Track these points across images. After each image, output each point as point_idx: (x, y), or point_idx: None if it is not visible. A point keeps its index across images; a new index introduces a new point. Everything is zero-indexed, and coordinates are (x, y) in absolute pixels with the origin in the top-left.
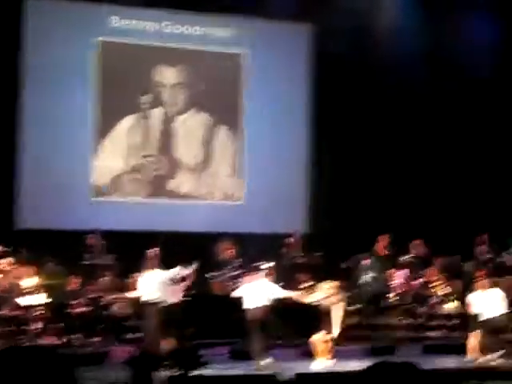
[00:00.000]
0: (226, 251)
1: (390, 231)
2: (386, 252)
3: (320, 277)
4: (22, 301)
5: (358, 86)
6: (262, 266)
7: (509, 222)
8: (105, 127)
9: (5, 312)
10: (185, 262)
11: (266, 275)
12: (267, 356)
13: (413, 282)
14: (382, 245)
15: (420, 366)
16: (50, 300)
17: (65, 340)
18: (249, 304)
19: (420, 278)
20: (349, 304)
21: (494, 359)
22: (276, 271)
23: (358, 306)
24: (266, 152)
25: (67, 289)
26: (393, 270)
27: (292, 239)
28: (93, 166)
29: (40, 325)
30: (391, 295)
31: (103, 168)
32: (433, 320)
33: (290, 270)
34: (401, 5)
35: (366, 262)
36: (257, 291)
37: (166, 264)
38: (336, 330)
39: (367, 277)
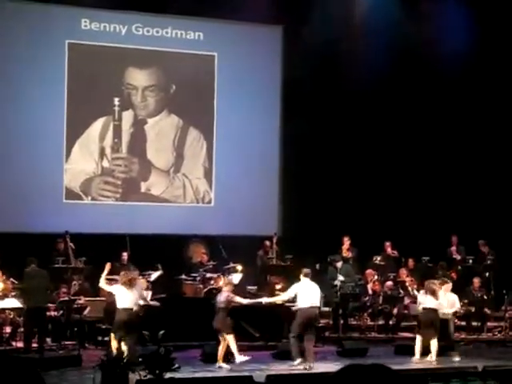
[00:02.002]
0: (198, 253)
1: (361, 234)
2: (349, 253)
3: (293, 279)
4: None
5: (329, 89)
6: (238, 267)
7: (477, 225)
8: (76, 130)
9: None
10: (155, 264)
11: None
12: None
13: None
14: (345, 246)
15: (392, 368)
16: (22, 305)
17: (36, 344)
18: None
19: (391, 278)
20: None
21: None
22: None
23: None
24: (237, 155)
25: (47, 292)
26: (368, 271)
27: (268, 242)
28: (65, 168)
29: (9, 329)
30: (363, 297)
31: (75, 171)
32: (404, 321)
33: (265, 272)
34: (374, 4)
35: (339, 264)
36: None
37: (138, 267)
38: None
39: (339, 278)
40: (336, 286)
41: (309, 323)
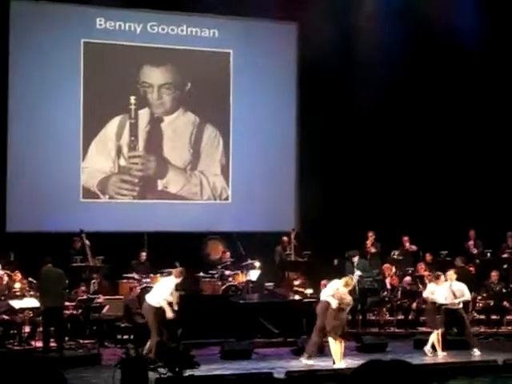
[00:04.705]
0: (216, 251)
1: (379, 228)
2: (373, 249)
3: (312, 275)
4: (16, 304)
5: (344, 85)
6: (256, 264)
7: (494, 219)
8: (93, 129)
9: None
10: (173, 262)
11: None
12: None
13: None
14: (369, 241)
15: (412, 363)
16: (40, 304)
17: (55, 343)
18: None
19: (409, 273)
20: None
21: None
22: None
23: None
24: (254, 151)
25: (64, 292)
26: (386, 266)
27: (286, 238)
28: (82, 167)
29: (29, 329)
30: (381, 291)
31: (92, 169)
32: (423, 315)
33: (283, 268)
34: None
35: (355, 259)
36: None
37: (157, 264)
38: None
39: (356, 274)
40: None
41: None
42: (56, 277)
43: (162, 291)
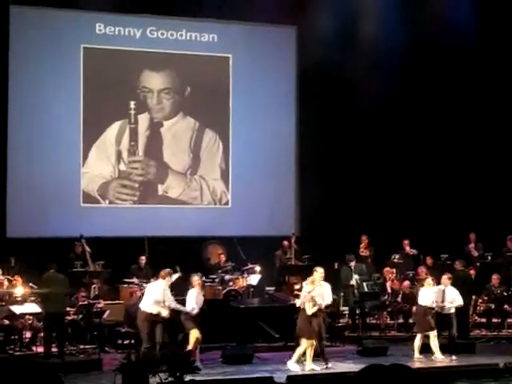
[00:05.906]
0: (216, 255)
1: (379, 232)
2: (367, 252)
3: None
4: (17, 309)
5: (344, 89)
6: (257, 268)
7: (495, 222)
8: (93, 134)
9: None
10: (173, 267)
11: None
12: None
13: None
14: (363, 245)
15: (412, 367)
16: (41, 310)
17: (56, 349)
18: None
19: (410, 277)
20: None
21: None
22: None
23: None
24: (253, 155)
25: (66, 298)
26: (387, 269)
27: (286, 242)
28: (82, 172)
29: (30, 334)
30: (382, 295)
31: (92, 174)
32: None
33: (283, 272)
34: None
35: (353, 263)
36: None
37: (157, 269)
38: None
39: (355, 278)
40: (353, 285)
41: None
42: (59, 282)
43: (156, 297)
